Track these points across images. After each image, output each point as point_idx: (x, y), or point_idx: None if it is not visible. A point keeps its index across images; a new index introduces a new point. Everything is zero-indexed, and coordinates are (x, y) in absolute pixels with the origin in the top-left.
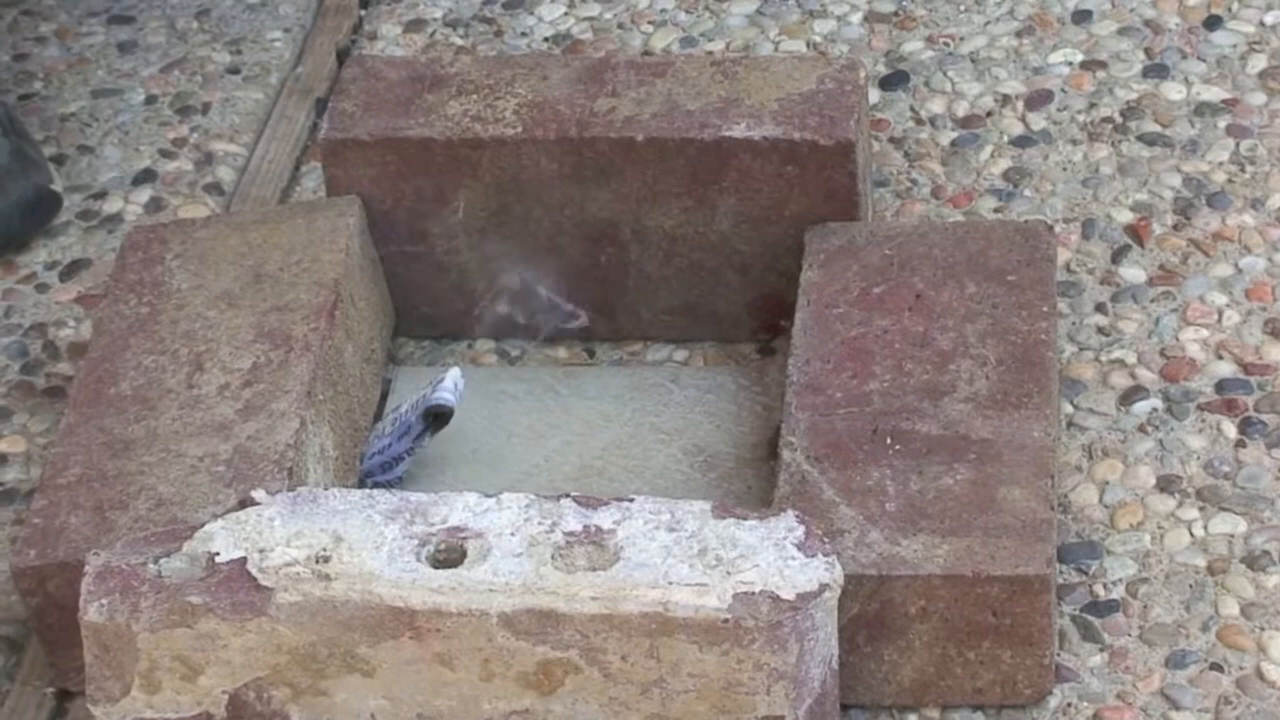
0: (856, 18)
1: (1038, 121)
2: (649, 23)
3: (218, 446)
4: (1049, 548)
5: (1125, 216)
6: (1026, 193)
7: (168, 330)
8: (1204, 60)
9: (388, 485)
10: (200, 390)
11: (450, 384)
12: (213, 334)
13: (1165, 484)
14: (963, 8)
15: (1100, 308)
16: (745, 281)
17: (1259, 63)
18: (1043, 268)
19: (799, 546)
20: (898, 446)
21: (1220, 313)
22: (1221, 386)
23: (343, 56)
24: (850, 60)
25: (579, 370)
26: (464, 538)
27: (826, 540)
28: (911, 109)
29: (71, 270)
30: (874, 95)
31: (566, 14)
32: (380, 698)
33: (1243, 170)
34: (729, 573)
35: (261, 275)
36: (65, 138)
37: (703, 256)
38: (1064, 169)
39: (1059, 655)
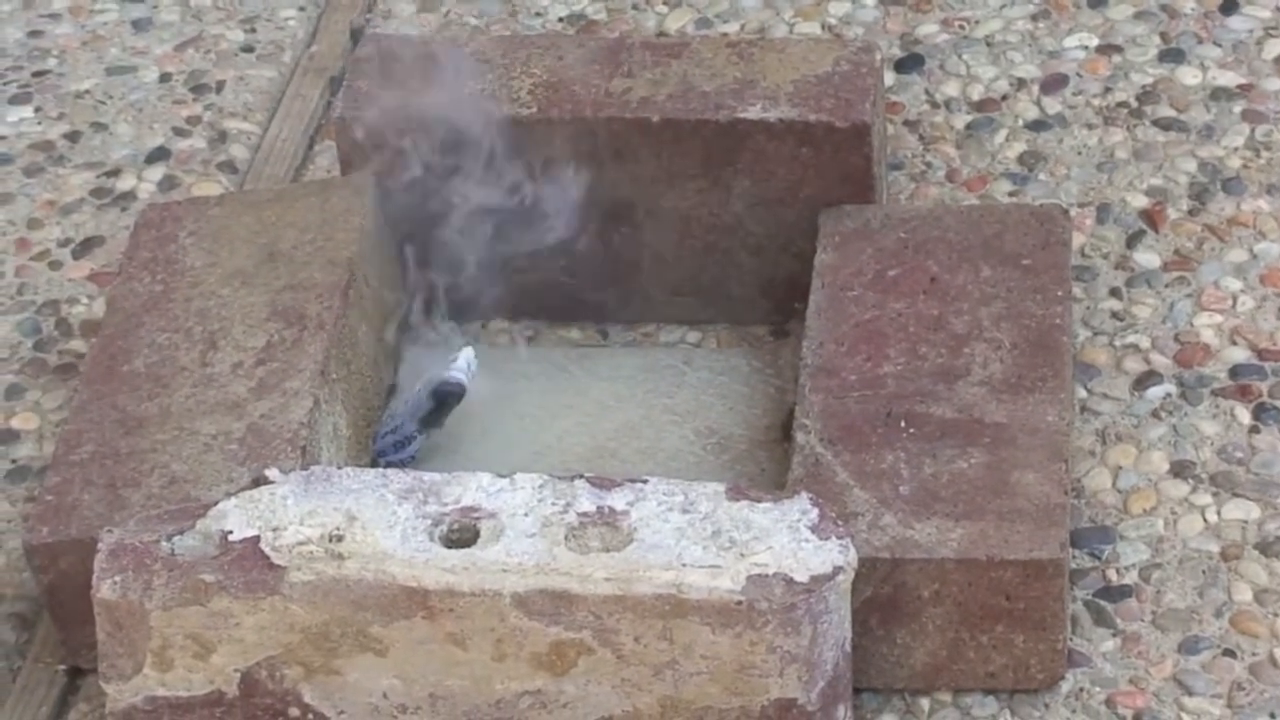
0: (871, 0)
1: (1053, 105)
2: (663, 3)
3: (231, 425)
4: (1062, 532)
5: (1140, 201)
6: (1041, 177)
7: (181, 308)
8: (1220, 45)
9: (400, 464)
10: (213, 368)
11: (463, 363)
12: (226, 312)
13: (1179, 469)
14: None
15: (1115, 292)
16: (759, 263)
17: (1275, 48)
18: (1058, 252)
19: (813, 529)
20: (912, 430)
21: (1235, 298)
22: (1235, 372)
23: (357, 35)
24: (866, 43)
25: (592, 351)
26: (477, 518)
27: (840, 523)
28: (926, 92)
29: (85, 247)
30: (889, 78)
31: None
32: (392, 677)
33: (1258, 155)
34: (743, 555)
35: (275, 253)
36: (79, 115)
37: (717, 238)
38: (1079, 153)
39: (1071, 640)
